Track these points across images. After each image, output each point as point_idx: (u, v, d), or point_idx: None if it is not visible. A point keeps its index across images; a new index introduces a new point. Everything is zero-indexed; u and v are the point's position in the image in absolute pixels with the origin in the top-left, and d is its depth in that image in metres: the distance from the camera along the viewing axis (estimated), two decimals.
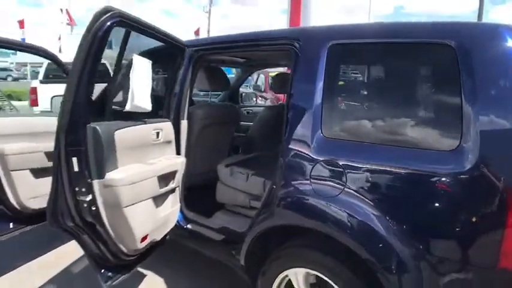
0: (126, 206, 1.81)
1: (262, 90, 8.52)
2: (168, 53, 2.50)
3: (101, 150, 1.71)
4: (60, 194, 1.70)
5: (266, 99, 7.76)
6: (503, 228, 1.39)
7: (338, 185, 1.72)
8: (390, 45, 1.79)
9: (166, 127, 2.28)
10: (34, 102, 7.76)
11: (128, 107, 1.89)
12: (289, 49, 2.03)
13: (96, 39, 1.63)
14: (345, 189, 1.70)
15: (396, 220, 1.59)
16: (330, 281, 1.74)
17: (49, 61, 8.14)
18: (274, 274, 1.99)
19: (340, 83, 1.97)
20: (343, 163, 1.72)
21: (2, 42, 2.73)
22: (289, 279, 1.95)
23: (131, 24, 1.86)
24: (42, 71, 8.49)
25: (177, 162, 2.29)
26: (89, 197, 1.71)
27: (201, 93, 5.78)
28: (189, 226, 2.60)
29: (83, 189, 1.70)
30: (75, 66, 1.64)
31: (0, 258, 2.94)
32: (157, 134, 2.17)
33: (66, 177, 1.68)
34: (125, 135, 1.85)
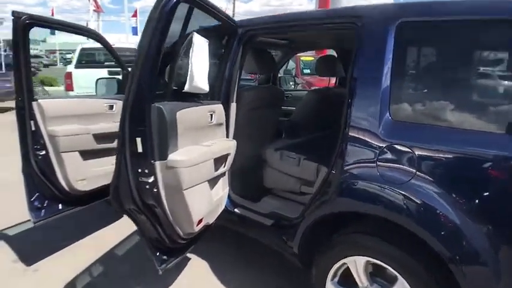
0: (186, 189, 1.77)
1: (294, 75, 8.35)
2: (218, 34, 2.43)
3: (164, 131, 1.67)
4: (123, 174, 1.67)
5: (297, 84, 7.60)
6: None
7: (408, 171, 1.63)
8: (466, 23, 1.66)
9: (218, 109, 2.23)
10: (69, 87, 7.88)
11: (186, 88, 1.84)
12: (352, 28, 1.92)
13: (162, 15, 1.58)
14: (416, 174, 1.61)
15: (473, 210, 1.49)
16: (395, 272, 1.67)
17: (82, 47, 8.29)
18: (331, 262, 1.92)
19: (411, 63, 1.86)
20: (413, 147, 1.62)
21: (59, 24, 2.73)
22: (346, 268, 1.89)
23: (194, 1, 1.80)
24: (76, 56, 8.60)
25: (230, 146, 2.24)
26: (151, 179, 1.68)
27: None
28: (236, 210, 2.56)
29: (146, 171, 1.67)
30: (142, 43, 1.59)
31: (51, 239, 3.00)
32: (211, 116, 2.12)
33: (129, 158, 1.65)
34: (185, 116, 1.81)
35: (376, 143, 1.72)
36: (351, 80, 1.87)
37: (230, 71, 2.42)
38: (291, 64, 9.58)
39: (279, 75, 4.64)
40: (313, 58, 10.31)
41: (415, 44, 1.85)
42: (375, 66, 1.79)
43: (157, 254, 1.95)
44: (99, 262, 2.77)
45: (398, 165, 1.66)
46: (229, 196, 2.56)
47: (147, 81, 1.61)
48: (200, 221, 1.99)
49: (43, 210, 2.64)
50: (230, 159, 2.28)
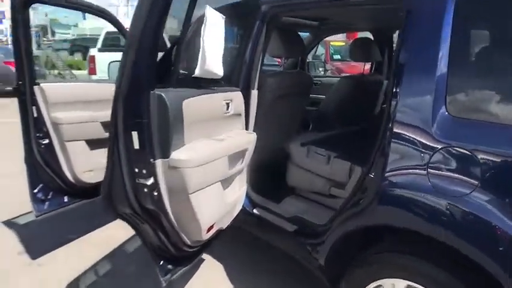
0: (193, 192, 1.49)
1: (323, 60, 7.96)
2: (238, 11, 2.12)
3: (166, 123, 1.39)
4: (116, 175, 1.41)
5: (326, 70, 7.20)
6: None
7: (469, 181, 1.29)
8: None
9: (236, 97, 1.93)
10: (92, 71, 7.75)
11: (197, 72, 1.54)
12: (399, 3, 1.57)
13: None
14: (479, 187, 1.27)
15: None
16: None
17: (107, 30, 8.13)
18: (363, 282, 1.63)
19: (475, 43, 1.49)
20: (477, 151, 1.28)
21: (72, 3, 2.49)
22: None
23: None
24: (100, 39, 8.46)
25: (249, 139, 1.94)
26: (150, 181, 1.41)
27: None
28: (255, 211, 2.29)
29: (144, 171, 1.39)
30: (137, 17, 1.30)
31: (55, 232, 2.81)
32: (228, 105, 1.82)
33: (124, 156, 1.38)
34: (194, 105, 1.52)
35: (428, 144, 1.39)
36: (396, 65, 1.53)
37: (251, 54, 2.11)
38: (320, 50, 9.13)
39: (307, 60, 4.28)
40: (344, 43, 9.89)
41: (482, 18, 1.47)
42: (428, 47, 1.46)
43: (161, 263, 1.69)
44: (107, 260, 2.57)
45: (456, 174, 1.33)
46: (247, 194, 2.28)
47: (145, 63, 1.33)
48: (211, 227, 1.72)
49: (47, 203, 2.48)
50: (248, 155, 1.98)
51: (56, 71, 10.85)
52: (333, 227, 1.78)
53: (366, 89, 2.94)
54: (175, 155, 1.42)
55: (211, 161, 1.56)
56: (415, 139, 1.43)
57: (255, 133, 2.06)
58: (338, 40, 9.45)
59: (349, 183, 2.08)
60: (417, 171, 1.41)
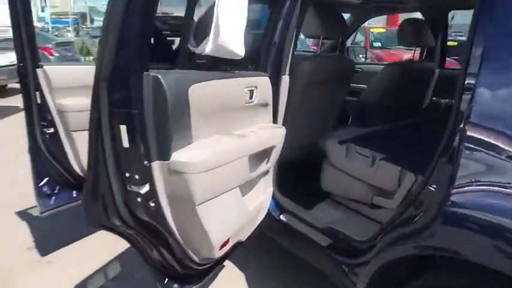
0: (200, 203, 1.17)
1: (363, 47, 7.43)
2: None
3: (165, 115, 1.07)
4: (101, 180, 1.11)
5: (367, 58, 6.71)
6: None
7: None
8: None
9: (263, 84, 1.59)
10: None
11: (208, 50, 1.21)
12: None
13: None
14: None
15: None
16: None
17: None
18: None
19: None
20: None
21: None
22: None
23: None
24: None
25: (277, 134, 1.61)
26: (145, 188, 1.10)
27: None
28: (282, 218, 1.96)
29: (136, 176, 1.09)
30: None
31: (66, 228, 2.61)
32: (251, 92, 1.48)
33: (110, 157, 1.08)
34: (204, 92, 1.19)
35: None
36: (470, 50, 1.13)
37: (282, 33, 1.75)
38: (358, 37, 8.58)
39: (346, 45, 3.86)
40: (384, 30, 9.30)
41: None
42: None
43: (165, 281, 1.40)
44: (117, 260, 2.34)
45: None
46: (273, 197, 1.95)
47: (134, 38, 1.01)
48: (225, 243, 1.41)
49: (53, 198, 2.25)
50: (276, 154, 1.65)
51: (90, 57, 10.90)
52: (378, 246, 1.43)
53: (415, 78, 2.53)
54: (178, 156, 1.10)
55: (226, 163, 1.23)
56: (499, 146, 1.04)
57: (284, 127, 1.71)
58: (378, 27, 8.87)
59: (398, 193, 1.71)
60: (501, 188, 1.03)
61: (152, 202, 1.12)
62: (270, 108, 1.70)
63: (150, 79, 1.04)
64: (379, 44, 8.50)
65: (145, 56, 1.05)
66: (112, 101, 1.03)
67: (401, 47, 8.13)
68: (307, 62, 2.00)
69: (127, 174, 1.09)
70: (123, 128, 1.03)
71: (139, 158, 1.06)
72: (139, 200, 1.10)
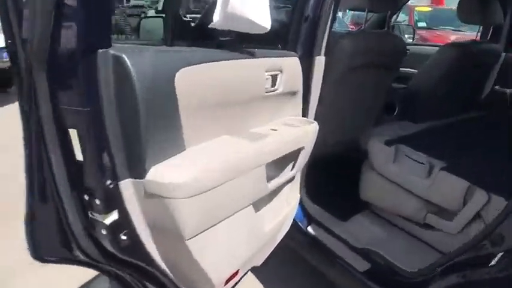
0: (192, 237, 0.83)
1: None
2: None
3: (134, 111, 0.71)
4: (49, 204, 0.78)
5: (413, 38, 6.14)
6: None
7: None
8: None
9: (291, 67, 1.21)
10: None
11: (216, 21, 0.84)
12: None
13: None
14: None
15: None
16: None
17: None
18: None
19: None
20: None
21: None
22: None
23: None
24: (161, 2, 7.98)
25: (307, 132, 1.24)
26: (111, 217, 0.76)
27: None
28: (310, 229, 1.62)
29: (97, 201, 0.74)
30: None
31: None
32: (274, 78, 1.11)
33: (60, 173, 0.74)
34: (201, 78, 0.83)
35: None
36: None
37: (317, 5, 1.35)
38: (401, 17, 7.92)
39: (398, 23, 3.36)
40: (430, 9, 8.60)
41: None
42: None
43: None
44: None
45: None
46: (300, 202, 1.60)
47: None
48: (232, 276, 1.07)
49: None
50: (305, 156, 1.28)
51: (123, 36, 10.75)
52: (435, 283, 1.08)
53: (477, 63, 2.07)
54: (157, 172, 0.75)
55: (231, 178, 0.87)
56: None
57: (316, 122, 1.33)
58: (423, 5, 8.18)
59: (461, 214, 1.31)
60: None
61: (124, 235, 0.79)
62: (300, 97, 1.32)
63: (109, 59, 0.68)
64: (424, 24, 7.83)
65: (105, 23, 0.70)
66: (54, 93, 0.69)
67: (447, 27, 7.48)
68: (349, 40, 1.59)
69: (86, 197, 0.75)
70: (73, 133, 0.70)
71: (99, 176, 0.72)
72: (104, 232, 0.77)
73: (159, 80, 0.73)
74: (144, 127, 0.72)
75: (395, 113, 2.14)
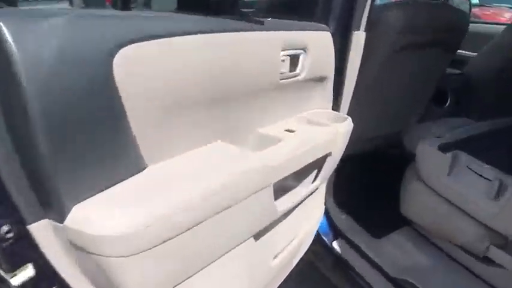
0: None
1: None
2: None
3: (25, 116, 0.42)
4: None
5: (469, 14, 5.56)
6: None
7: None
8: None
9: (319, 45, 0.90)
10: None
11: None
12: None
13: None
14: None
15: None
16: None
17: None
18: None
19: None
20: None
21: None
22: None
23: None
24: None
25: (338, 133, 0.93)
26: (24, 273, 0.49)
27: None
28: (335, 245, 1.36)
29: None
30: None
31: None
32: (294, 59, 0.80)
33: None
34: (164, 62, 0.53)
35: None
36: None
37: None
38: None
39: None
40: None
41: None
42: None
43: None
44: None
45: None
46: (326, 212, 1.31)
47: None
48: None
49: None
50: (331, 164, 0.98)
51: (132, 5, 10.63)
52: None
53: None
54: (80, 214, 0.47)
55: (210, 216, 0.57)
56: None
57: (349, 118, 1.01)
58: None
59: None
60: None
61: None
62: (330, 85, 1.00)
63: None
64: (476, 1, 7.13)
65: None
66: None
67: (503, 4, 6.82)
68: (397, 11, 1.24)
69: None
70: None
71: None
72: None
73: (77, 65, 0.43)
74: (46, 140, 0.42)
75: (446, 104, 1.77)
